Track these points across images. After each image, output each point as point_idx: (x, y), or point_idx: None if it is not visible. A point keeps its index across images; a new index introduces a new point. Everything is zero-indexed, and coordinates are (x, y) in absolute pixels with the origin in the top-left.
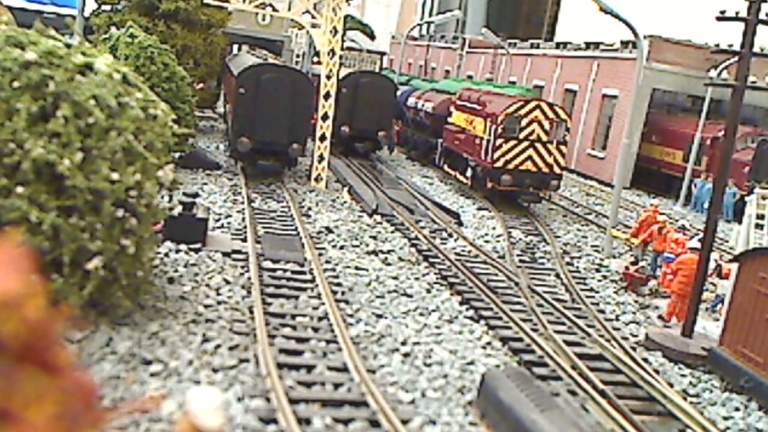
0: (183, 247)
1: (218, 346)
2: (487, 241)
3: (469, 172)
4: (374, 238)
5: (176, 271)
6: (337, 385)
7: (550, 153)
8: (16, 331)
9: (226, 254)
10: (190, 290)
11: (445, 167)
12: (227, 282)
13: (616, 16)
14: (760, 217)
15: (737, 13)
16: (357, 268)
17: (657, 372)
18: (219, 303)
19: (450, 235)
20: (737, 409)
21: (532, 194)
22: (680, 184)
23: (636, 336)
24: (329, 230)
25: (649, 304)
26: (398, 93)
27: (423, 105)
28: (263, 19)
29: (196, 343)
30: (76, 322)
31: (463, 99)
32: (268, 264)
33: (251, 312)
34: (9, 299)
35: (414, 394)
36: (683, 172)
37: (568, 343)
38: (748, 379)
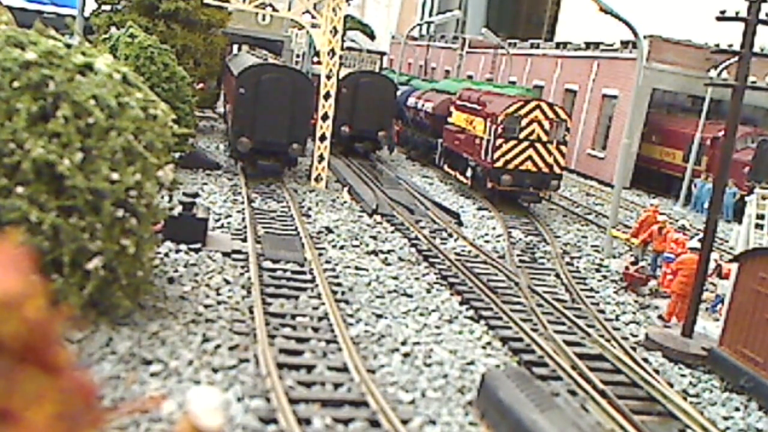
0: (183, 247)
1: (218, 346)
2: (487, 241)
3: (469, 172)
4: (374, 238)
5: (176, 271)
6: (337, 385)
7: (550, 153)
8: (16, 331)
9: (226, 254)
10: (190, 290)
11: (445, 167)
12: (227, 282)
13: (616, 16)
14: (760, 217)
15: (737, 13)
16: (357, 268)
17: (657, 372)
18: (219, 303)
19: (450, 235)
20: (737, 409)
21: (532, 194)
22: (680, 184)
23: (636, 336)
24: (329, 230)
25: (649, 304)
26: (398, 93)
27: (423, 105)
28: (263, 19)
29: (196, 343)
30: (76, 322)
31: (463, 99)
32: (268, 264)
33: (251, 312)
34: (9, 299)
35: (414, 394)
36: (683, 172)
37: (568, 343)
38: (748, 379)
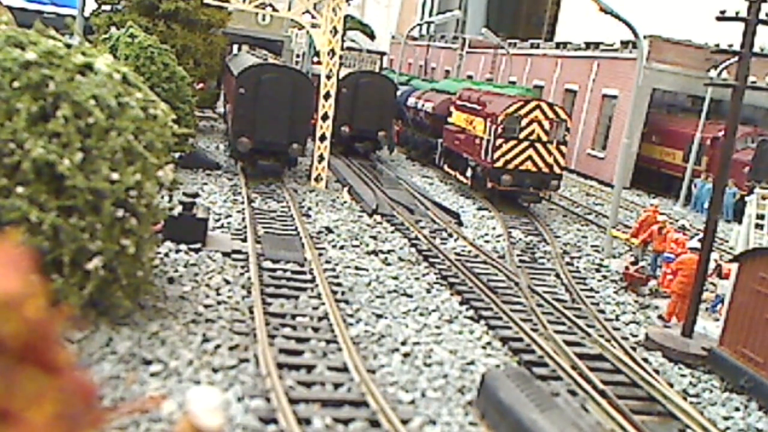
0: (183, 247)
1: (218, 346)
2: (487, 241)
3: (469, 172)
4: (374, 238)
5: (176, 271)
6: (337, 385)
7: (550, 153)
8: (16, 331)
9: (226, 254)
10: (190, 290)
11: (445, 167)
12: (227, 282)
13: (616, 16)
14: (760, 217)
15: (737, 13)
16: (357, 268)
17: (657, 372)
18: (219, 303)
19: (450, 235)
20: (737, 409)
21: (532, 194)
22: (680, 184)
23: (636, 336)
24: (329, 230)
25: (649, 304)
26: (398, 93)
27: (423, 105)
28: (263, 19)
29: (196, 343)
30: (76, 322)
31: (463, 99)
32: (268, 264)
33: (251, 312)
34: (9, 299)
35: (414, 394)
36: (683, 172)
37: (568, 343)
38: (748, 379)
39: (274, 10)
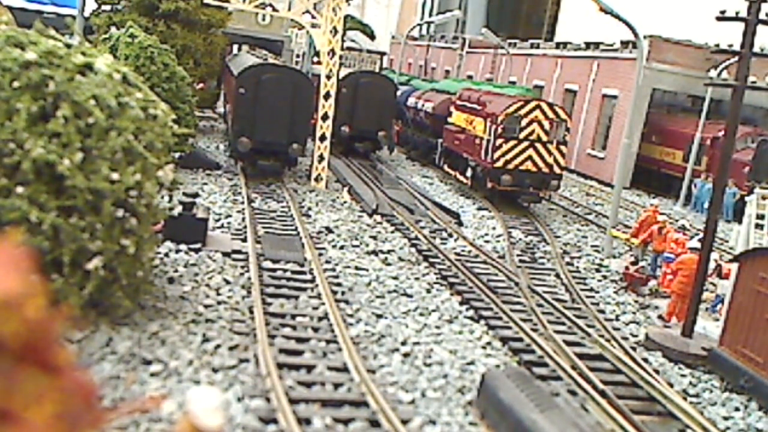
0: (183, 247)
1: (218, 346)
2: (487, 241)
3: (469, 172)
4: (374, 238)
5: (176, 271)
6: (337, 385)
7: (550, 153)
8: (16, 331)
9: (226, 254)
10: (190, 290)
11: (445, 167)
12: (227, 282)
13: (616, 16)
14: (760, 217)
15: (737, 13)
16: (357, 268)
17: (657, 372)
18: (219, 303)
19: (450, 235)
20: (737, 409)
21: (532, 194)
22: (680, 184)
23: (636, 336)
24: (329, 230)
25: (649, 304)
26: (398, 93)
27: (423, 105)
28: (263, 19)
29: (196, 343)
30: (76, 322)
31: (463, 99)
32: (268, 264)
33: (251, 312)
34: (9, 299)
35: (414, 394)
36: (683, 172)
37: (568, 343)
38: (748, 379)
39: (274, 10)
